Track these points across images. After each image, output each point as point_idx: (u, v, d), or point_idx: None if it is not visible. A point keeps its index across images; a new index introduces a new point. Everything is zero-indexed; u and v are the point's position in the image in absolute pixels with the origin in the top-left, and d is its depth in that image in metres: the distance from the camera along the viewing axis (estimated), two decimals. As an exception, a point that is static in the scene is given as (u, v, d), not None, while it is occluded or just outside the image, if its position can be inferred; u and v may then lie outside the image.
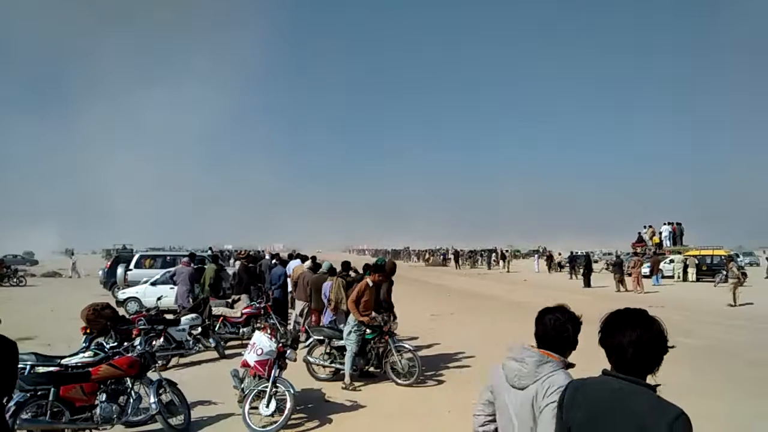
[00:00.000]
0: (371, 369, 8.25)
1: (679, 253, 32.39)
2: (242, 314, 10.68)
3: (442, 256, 61.47)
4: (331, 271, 10.26)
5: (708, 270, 29.41)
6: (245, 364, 6.34)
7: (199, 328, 9.53)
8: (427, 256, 64.45)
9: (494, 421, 2.47)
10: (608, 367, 1.94)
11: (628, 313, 1.95)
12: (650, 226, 36.16)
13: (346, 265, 10.41)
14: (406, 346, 8.11)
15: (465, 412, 6.67)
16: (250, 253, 23.56)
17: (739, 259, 24.43)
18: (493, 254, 50.48)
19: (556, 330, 2.35)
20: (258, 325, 9.76)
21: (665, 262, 31.14)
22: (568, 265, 34.20)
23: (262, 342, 6.30)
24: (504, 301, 20.51)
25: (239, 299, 11.61)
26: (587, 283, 26.34)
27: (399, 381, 7.90)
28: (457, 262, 51.05)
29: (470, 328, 13.44)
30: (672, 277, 30.17)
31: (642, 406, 1.77)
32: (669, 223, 35.54)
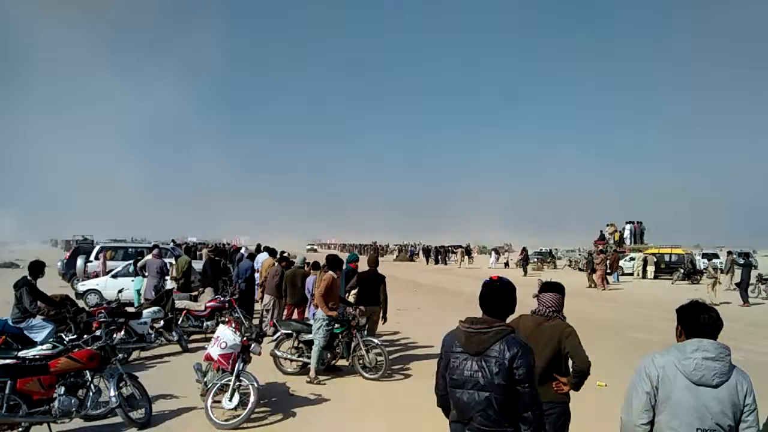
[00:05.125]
0: (338, 363, 8.28)
1: (640, 251, 33.34)
2: (206, 307, 10.54)
3: (409, 252, 61.83)
4: (315, 265, 10.20)
5: (666, 268, 30.31)
6: (208, 358, 6.26)
7: (162, 321, 9.37)
8: (396, 251, 64.87)
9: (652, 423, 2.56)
10: None
11: None
12: (612, 224, 37.11)
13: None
14: (374, 340, 8.14)
15: (431, 405, 6.76)
16: (217, 245, 23.25)
17: (719, 261, 25.22)
18: (460, 249, 51.10)
19: (714, 326, 2.57)
20: (222, 318, 9.68)
21: (626, 260, 32.02)
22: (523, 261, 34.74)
23: (226, 335, 6.23)
24: (471, 296, 20.71)
25: (203, 292, 11.46)
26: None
27: (366, 375, 7.93)
28: (427, 257, 51.50)
29: (437, 323, 13.52)
30: (632, 274, 31.06)
31: None
32: (630, 222, 36.54)
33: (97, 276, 16.30)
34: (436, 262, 49.82)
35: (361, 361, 8.02)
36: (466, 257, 46.46)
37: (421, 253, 58.71)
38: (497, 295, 2.77)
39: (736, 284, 18.76)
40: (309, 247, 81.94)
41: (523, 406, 2.57)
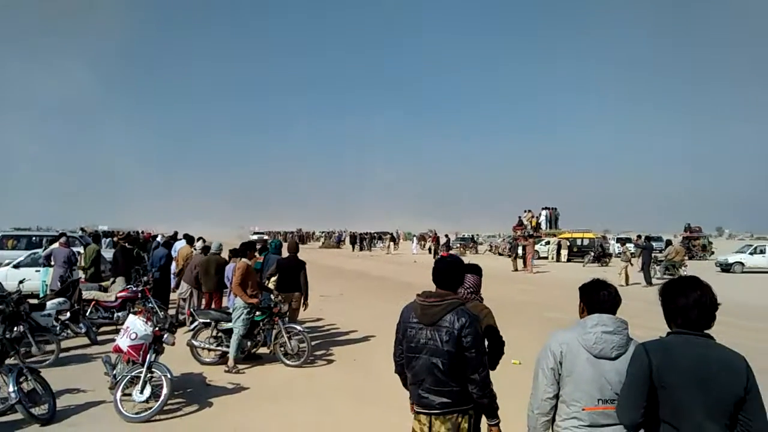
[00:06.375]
0: (259, 351, 8.12)
1: (554, 235, 35.03)
2: (117, 298, 9.99)
3: (336, 239, 61.77)
4: (235, 252, 9.84)
5: (578, 251, 32.07)
6: (117, 350, 5.96)
7: (68, 313, 8.80)
8: (322, 238, 64.69)
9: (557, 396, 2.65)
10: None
11: (686, 279, 2.38)
12: (529, 211, 38.69)
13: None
14: (296, 327, 8.05)
15: (352, 391, 6.79)
16: (130, 233, 22.15)
17: (631, 245, 26.99)
18: (388, 236, 51.73)
19: (613, 301, 2.71)
20: (134, 309, 9.23)
21: (541, 244, 33.55)
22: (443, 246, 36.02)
23: (135, 326, 5.95)
24: (394, 281, 21.00)
25: (114, 282, 10.86)
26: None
27: (288, 362, 7.85)
28: (353, 244, 51.68)
29: (360, 308, 13.63)
30: (546, 257, 32.60)
31: (728, 355, 2.18)
32: (546, 208, 38.24)
33: None
34: (361, 249, 50.10)
35: (282, 349, 7.91)
36: (392, 243, 47.08)
37: (347, 239, 58.81)
38: (448, 269, 3.03)
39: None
40: (257, 236, 78.85)
41: (471, 368, 2.84)
